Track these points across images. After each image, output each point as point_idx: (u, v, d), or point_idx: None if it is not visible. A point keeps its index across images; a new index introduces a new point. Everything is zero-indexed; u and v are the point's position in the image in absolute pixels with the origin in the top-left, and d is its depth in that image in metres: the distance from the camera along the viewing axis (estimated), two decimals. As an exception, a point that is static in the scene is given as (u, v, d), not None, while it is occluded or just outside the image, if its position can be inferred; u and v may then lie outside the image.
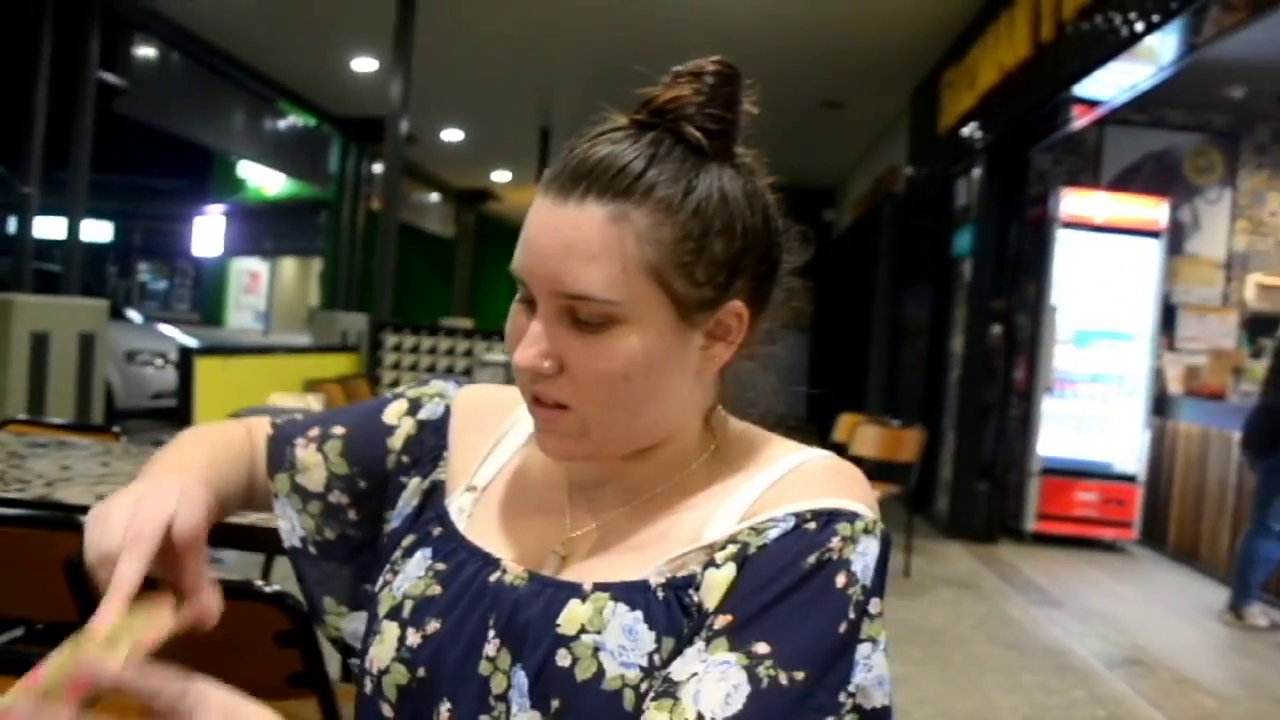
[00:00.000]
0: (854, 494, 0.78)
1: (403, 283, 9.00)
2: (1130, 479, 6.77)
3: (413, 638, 0.81)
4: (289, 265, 23.70)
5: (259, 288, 24.51)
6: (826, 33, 7.38)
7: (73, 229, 7.22)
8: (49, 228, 7.79)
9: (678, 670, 0.72)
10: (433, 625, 0.81)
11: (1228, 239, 7.80)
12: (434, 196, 16.84)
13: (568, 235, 0.75)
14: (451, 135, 12.49)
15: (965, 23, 6.94)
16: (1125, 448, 6.85)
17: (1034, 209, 7.06)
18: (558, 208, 0.76)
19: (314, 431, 0.96)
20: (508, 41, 8.34)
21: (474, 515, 0.89)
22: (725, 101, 0.79)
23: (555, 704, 0.75)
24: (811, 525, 0.75)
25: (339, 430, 0.96)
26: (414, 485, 0.93)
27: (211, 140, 11.02)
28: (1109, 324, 6.92)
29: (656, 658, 0.74)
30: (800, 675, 0.70)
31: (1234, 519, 5.81)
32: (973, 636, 4.61)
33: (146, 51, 8.31)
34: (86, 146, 7.01)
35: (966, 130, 6.97)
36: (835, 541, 0.74)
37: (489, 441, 0.94)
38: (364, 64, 9.36)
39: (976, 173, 7.03)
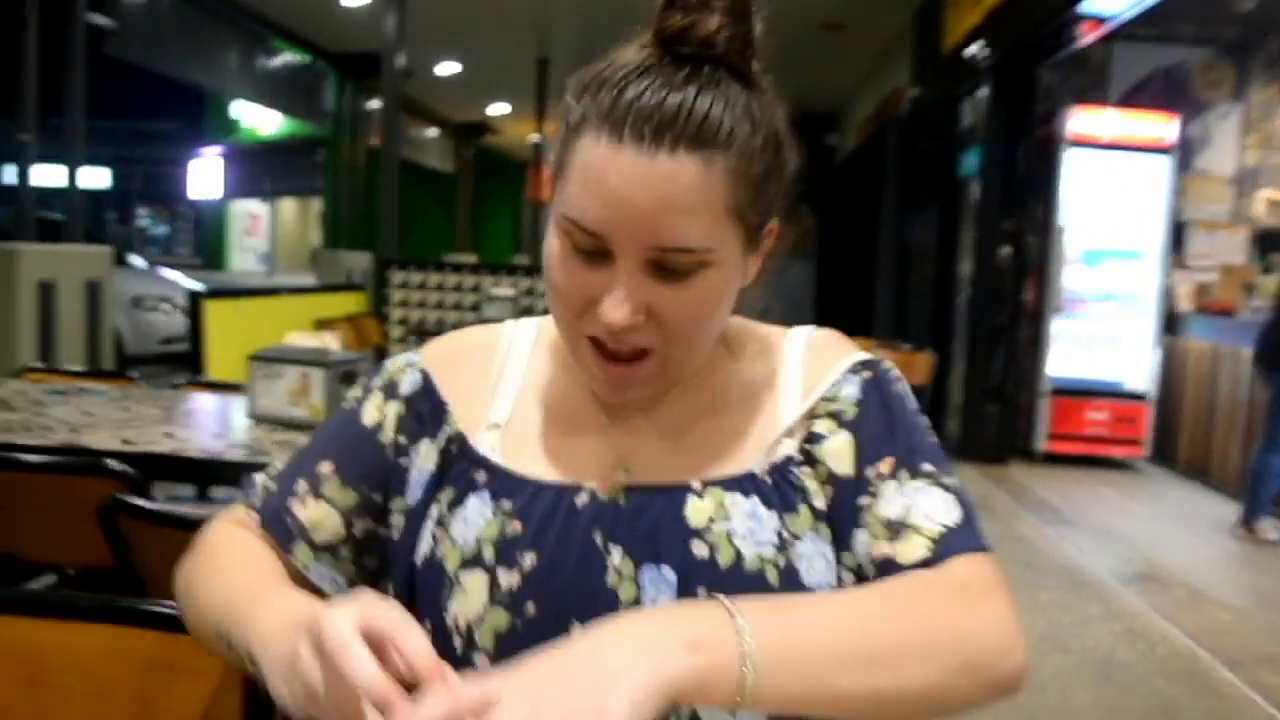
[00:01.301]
0: (857, 346, 0.92)
1: (404, 219, 8.94)
2: (1140, 397, 6.78)
3: (507, 579, 0.80)
4: (289, 206, 23.53)
5: (260, 229, 24.36)
6: (828, -49, 7.21)
7: (72, 176, 7.16)
8: (48, 176, 7.72)
9: (892, 509, 0.80)
10: (529, 560, 0.80)
11: (1238, 154, 7.70)
12: (432, 131, 16.66)
13: (664, 189, 0.74)
14: (448, 68, 12.31)
15: (971, -63, 6.78)
16: (1135, 366, 6.85)
17: (1041, 128, 6.97)
18: (646, 159, 0.74)
19: (301, 485, 0.90)
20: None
21: (509, 450, 0.87)
22: (748, 24, 0.79)
23: (703, 593, 0.77)
24: (865, 373, 0.87)
25: (327, 468, 0.90)
26: (424, 451, 0.89)
27: (205, 80, 10.88)
28: (1118, 243, 6.86)
29: (784, 534, 0.81)
30: (947, 477, 0.83)
31: (1245, 435, 5.82)
32: (987, 557, 4.65)
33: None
34: (81, 91, 6.91)
35: (971, 49, 6.85)
36: (885, 376, 0.88)
37: (489, 378, 0.92)
38: (357, -3, 9.18)
39: (982, 93, 6.92)
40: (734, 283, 0.81)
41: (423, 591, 0.84)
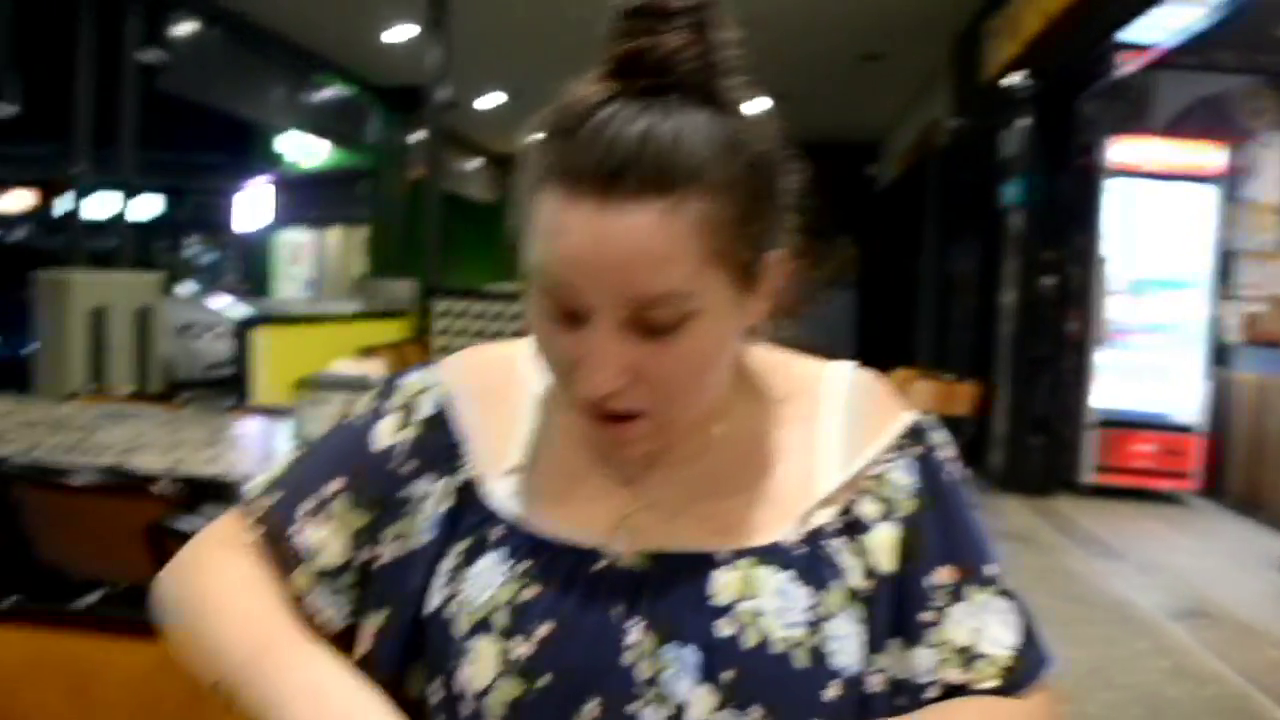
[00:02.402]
0: (900, 400, 0.86)
1: (447, 249, 9.03)
2: (1189, 429, 6.65)
3: (521, 648, 0.76)
4: (333, 235, 23.85)
5: (305, 258, 24.70)
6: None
7: (123, 206, 7.32)
8: (99, 206, 7.90)
9: (961, 634, 0.79)
10: (543, 629, 0.76)
11: (1284, 183, 7.57)
12: (475, 162, 16.84)
13: (625, 244, 0.67)
14: (491, 100, 12.45)
15: (1010, -33, 6.78)
16: (1184, 398, 6.73)
17: (1082, 158, 6.91)
18: (601, 213, 0.67)
19: (308, 505, 0.84)
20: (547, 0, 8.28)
21: (526, 499, 0.82)
22: (712, 39, 0.71)
23: (727, 676, 0.74)
24: (916, 449, 0.83)
25: (335, 487, 0.84)
26: (439, 489, 0.83)
27: (252, 113, 11.08)
28: (1165, 272, 6.76)
29: (816, 613, 0.76)
30: (1006, 579, 0.82)
31: (1297, 468, 5.69)
32: (1034, 590, 4.54)
33: (185, 28, 8.35)
34: (132, 124, 7.09)
35: (1011, 80, 6.82)
36: (937, 454, 0.84)
37: (511, 413, 0.86)
38: (401, 31, 9.33)
39: (1022, 123, 6.88)
40: (729, 329, 0.75)
41: (432, 649, 0.81)
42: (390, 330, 7.44)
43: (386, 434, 0.86)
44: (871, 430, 0.83)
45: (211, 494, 2.12)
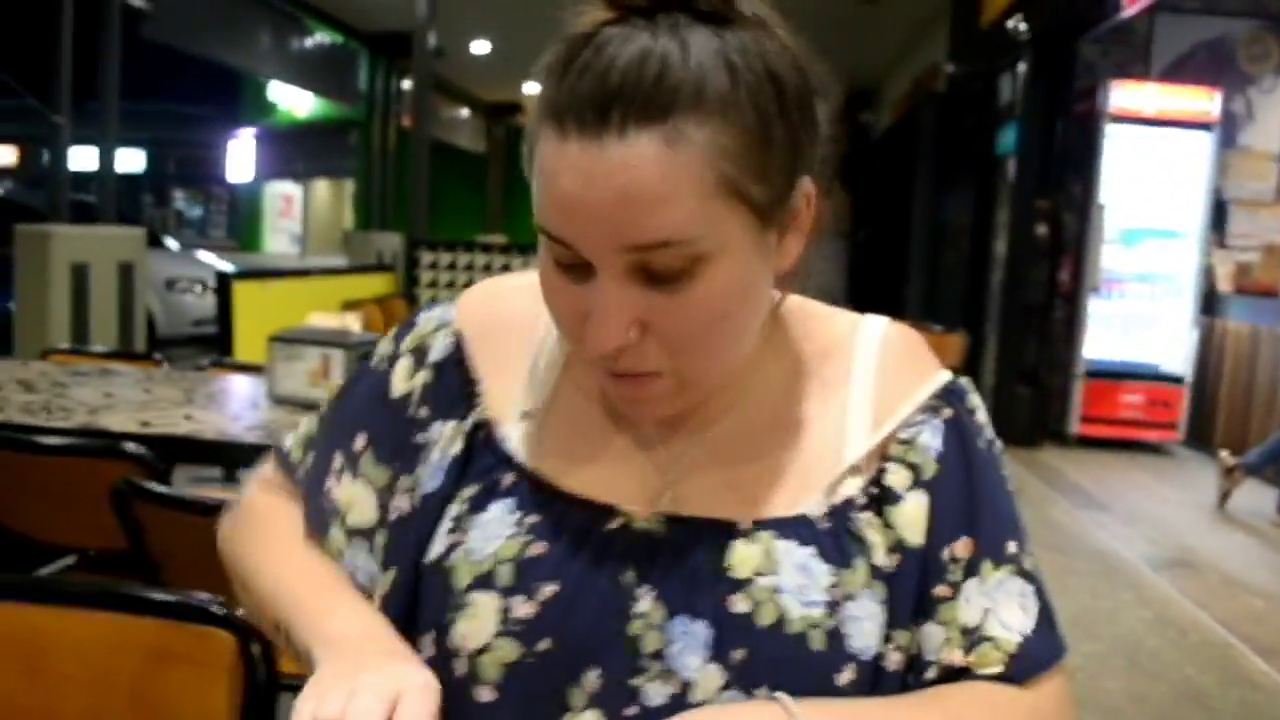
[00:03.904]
0: (933, 359, 0.81)
1: (435, 200, 8.96)
2: (1177, 380, 6.66)
3: (522, 608, 0.72)
4: (322, 187, 23.66)
5: (293, 211, 24.53)
6: (861, -75, 7.10)
7: (106, 158, 7.22)
8: (82, 158, 7.80)
9: (970, 616, 0.73)
10: (548, 590, 0.72)
11: (1283, 130, 7.50)
12: (464, 112, 16.66)
13: (619, 182, 0.61)
14: (480, 47, 12.30)
15: (1007, -91, 6.65)
16: (1172, 348, 6.72)
17: (1081, 103, 6.83)
18: (592, 149, 0.61)
19: (337, 461, 0.83)
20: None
21: (540, 448, 0.78)
22: None
23: (738, 655, 0.70)
24: (947, 411, 0.78)
25: (360, 442, 0.82)
26: (448, 432, 0.80)
27: (239, 61, 10.92)
28: (1157, 222, 6.72)
29: (838, 591, 0.72)
30: (1026, 556, 0.76)
31: (1284, 418, 5.70)
32: (1017, 541, 4.60)
33: (169, -27, 8.20)
34: (115, 73, 6.96)
35: (1010, 23, 6.72)
36: (968, 418, 0.78)
37: (528, 354, 0.82)
38: (388, -23, 9.19)
39: (1021, 67, 6.80)
40: (751, 273, 0.67)
41: (428, 601, 0.76)
42: (377, 284, 7.39)
43: (401, 380, 0.83)
44: (902, 391, 0.78)
45: (182, 454, 2.10)
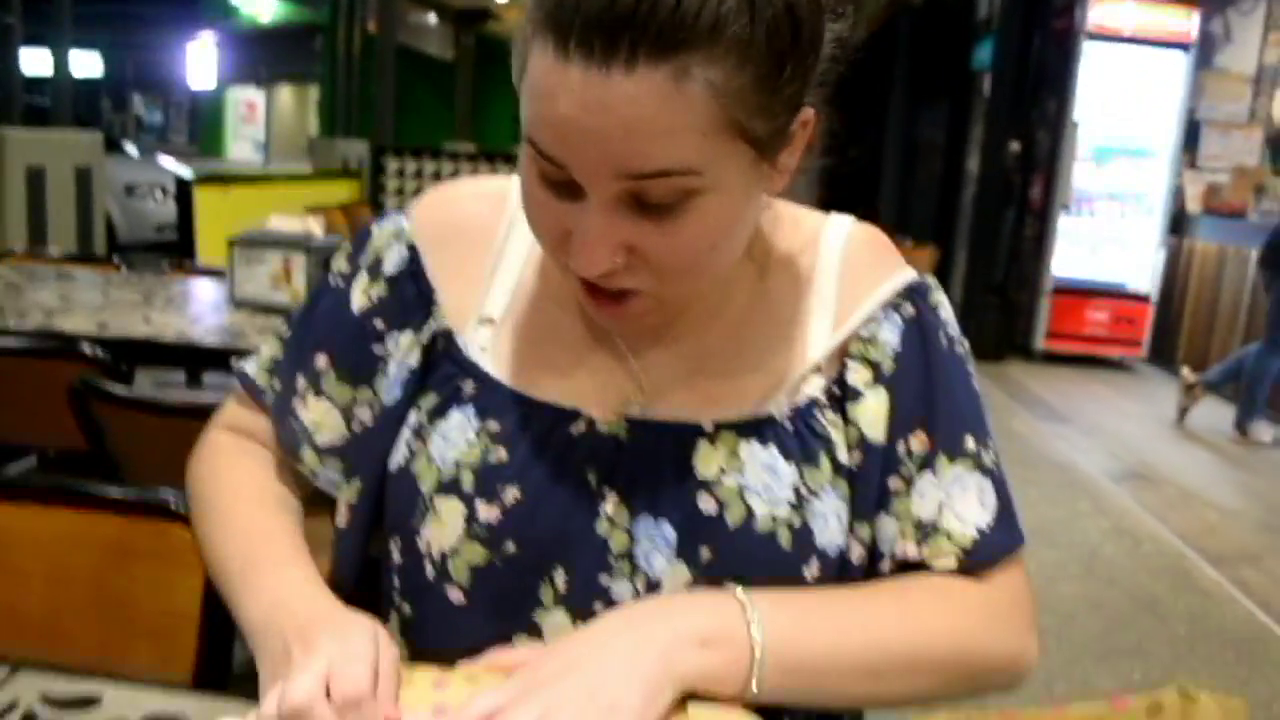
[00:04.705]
0: (898, 257, 0.80)
1: (402, 107, 8.76)
2: (1142, 298, 6.72)
3: (486, 512, 0.72)
4: (286, 93, 23.13)
5: (256, 117, 23.99)
6: None
7: (60, 59, 6.99)
8: (36, 62, 7.54)
9: (924, 509, 0.74)
10: (511, 494, 0.72)
11: (1259, 52, 7.45)
12: (431, 18, 16.23)
13: (624, 114, 0.58)
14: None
15: None
16: (1139, 267, 6.77)
17: (1059, 19, 6.75)
18: (598, 78, 0.58)
19: (301, 382, 0.82)
20: None
21: (502, 354, 0.78)
22: None
23: (705, 553, 0.71)
24: (907, 308, 0.77)
25: (323, 362, 0.82)
26: (405, 342, 0.79)
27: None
28: (1130, 141, 6.72)
29: (803, 489, 0.73)
30: (986, 452, 0.76)
31: (1245, 337, 5.78)
32: (980, 454, 4.67)
33: None
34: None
35: (989, -67, 6.60)
36: (930, 315, 0.78)
37: (486, 260, 0.81)
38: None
39: (999, -21, 6.69)
40: (742, 204, 0.66)
41: (394, 506, 0.77)
42: (342, 191, 7.26)
43: (360, 293, 0.82)
44: (865, 289, 0.77)
45: (143, 356, 2.07)
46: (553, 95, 0.60)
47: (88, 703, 0.70)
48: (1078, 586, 3.25)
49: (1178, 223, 6.83)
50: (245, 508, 0.81)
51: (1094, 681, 2.62)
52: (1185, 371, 5.38)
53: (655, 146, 0.59)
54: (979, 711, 0.48)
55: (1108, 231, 6.79)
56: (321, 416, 0.82)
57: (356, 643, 0.64)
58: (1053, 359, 6.78)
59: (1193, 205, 6.91)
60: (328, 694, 0.61)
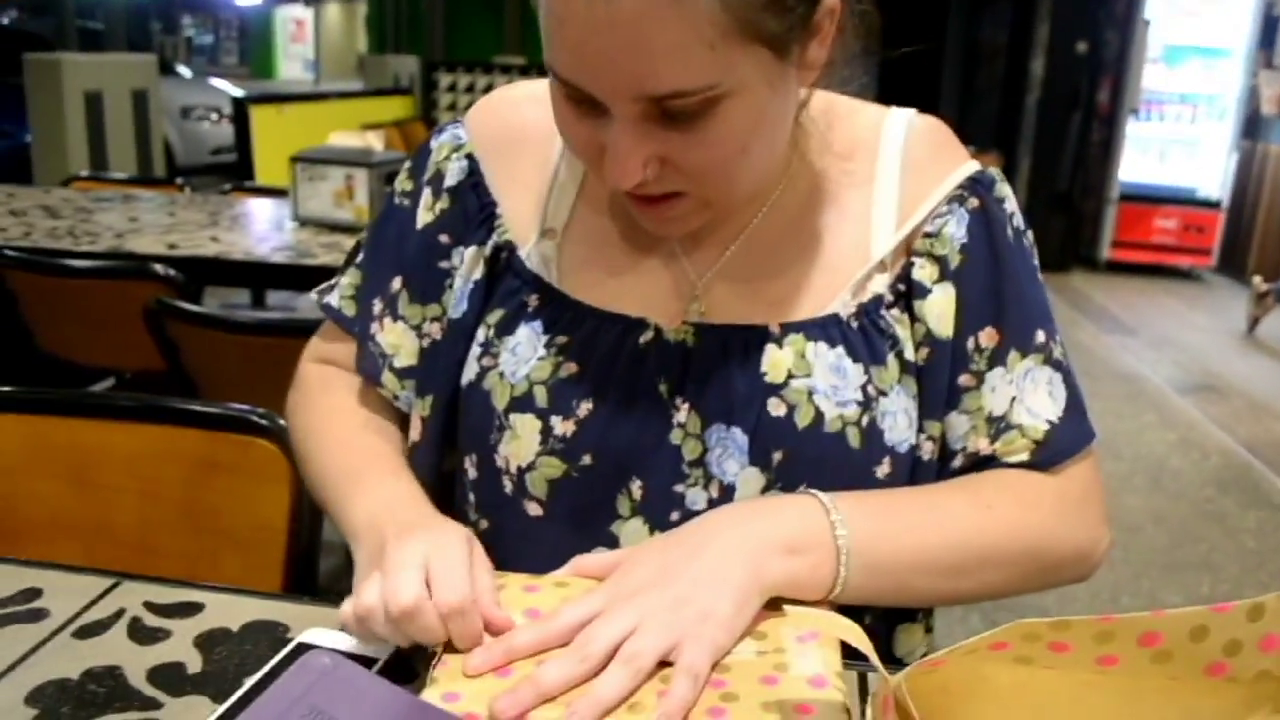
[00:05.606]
0: (961, 149, 0.79)
1: (452, 21, 8.65)
2: (1213, 205, 6.50)
3: (562, 426, 0.73)
4: (333, 10, 22.94)
5: (305, 35, 23.86)
6: None
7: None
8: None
9: (996, 405, 0.74)
10: (585, 407, 0.73)
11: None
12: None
13: (628, 32, 0.58)
14: None
15: None
16: (1210, 172, 6.54)
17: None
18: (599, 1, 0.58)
19: (377, 306, 0.83)
20: None
21: (566, 266, 0.78)
22: None
23: (778, 456, 0.72)
24: (972, 201, 0.76)
25: (396, 284, 0.83)
26: (470, 256, 0.80)
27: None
28: (1203, 39, 6.43)
29: (870, 389, 0.73)
30: (1055, 345, 0.76)
31: (1322, 243, 5.60)
32: (1042, 366, 4.60)
33: None
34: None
35: None
36: (996, 208, 0.76)
37: (545, 171, 0.80)
38: None
39: None
40: (771, 101, 0.65)
41: (468, 423, 0.78)
42: (395, 108, 7.24)
43: (424, 210, 0.82)
44: (928, 182, 0.76)
45: (211, 276, 2.10)
46: (562, 21, 0.60)
47: (191, 609, 0.72)
48: (1144, 499, 3.21)
49: (1252, 126, 6.56)
50: (345, 430, 0.83)
51: (1160, 595, 2.61)
52: (1257, 280, 5.23)
53: (665, 66, 0.59)
54: (1077, 618, 0.48)
55: (1178, 135, 6.55)
56: (399, 339, 0.82)
57: (454, 547, 0.65)
58: (1119, 269, 6.62)
59: (1268, 107, 6.63)
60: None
